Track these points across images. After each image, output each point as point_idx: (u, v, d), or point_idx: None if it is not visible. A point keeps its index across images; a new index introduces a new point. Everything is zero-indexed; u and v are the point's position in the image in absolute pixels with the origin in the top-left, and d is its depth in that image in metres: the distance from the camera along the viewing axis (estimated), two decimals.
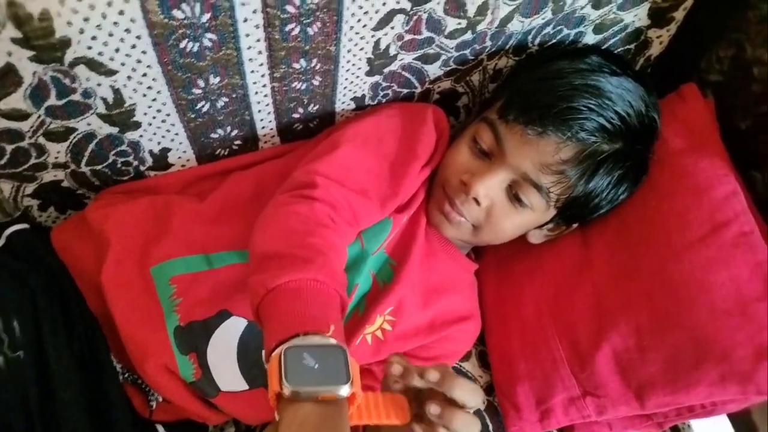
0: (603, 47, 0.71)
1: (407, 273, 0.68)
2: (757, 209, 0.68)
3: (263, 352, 0.49)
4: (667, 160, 0.69)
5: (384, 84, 0.70)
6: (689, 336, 0.63)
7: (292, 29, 0.56)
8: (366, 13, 0.57)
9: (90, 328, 0.62)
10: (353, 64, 0.64)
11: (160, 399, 0.64)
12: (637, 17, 0.67)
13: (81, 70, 0.53)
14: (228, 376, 0.63)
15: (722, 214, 0.64)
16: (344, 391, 0.43)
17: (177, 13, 0.51)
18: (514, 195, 0.65)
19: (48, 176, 0.65)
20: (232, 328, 0.63)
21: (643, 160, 0.68)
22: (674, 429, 0.78)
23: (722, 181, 0.66)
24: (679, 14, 0.68)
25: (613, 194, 0.67)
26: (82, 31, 0.49)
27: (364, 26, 0.59)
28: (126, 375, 0.63)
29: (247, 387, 0.64)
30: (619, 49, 0.72)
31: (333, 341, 0.46)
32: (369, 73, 0.67)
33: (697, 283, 0.63)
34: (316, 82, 0.65)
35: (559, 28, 0.67)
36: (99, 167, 0.66)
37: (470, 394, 0.47)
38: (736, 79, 0.70)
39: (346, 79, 0.66)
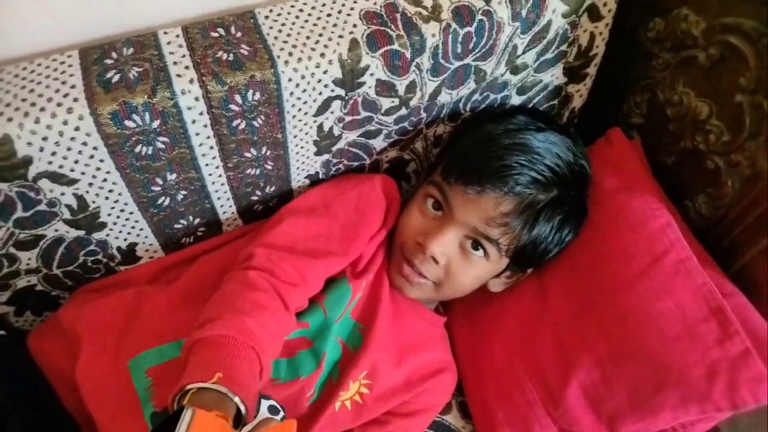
0: (529, 106, 0.78)
1: (377, 336, 0.71)
2: (693, 236, 0.73)
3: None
4: (603, 201, 0.74)
5: (334, 161, 0.75)
6: (646, 364, 0.65)
7: (239, 124, 0.61)
8: (305, 103, 0.63)
9: (64, 426, 0.63)
10: (301, 147, 0.69)
11: None
12: (554, 76, 0.74)
13: (44, 183, 0.57)
14: None
15: (660, 244, 0.68)
16: None
17: (129, 123, 0.56)
18: (467, 249, 0.69)
19: (21, 282, 0.68)
20: None
21: (580, 203, 0.73)
22: None
23: (655, 214, 0.70)
24: (591, 69, 0.75)
25: (557, 238, 0.71)
26: (42, 149, 0.54)
27: (306, 114, 0.64)
28: None
29: None
30: (544, 106, 0.78)
31: (193, 386, 0.49)
32: (317, 153, 0.72)
33: (646, 312, 0.66)
34: (269, 167, 0.70)
35: (485, 94, 0.74)
36: (70, 268, 0.69)
37: None
38: (655, 119, 0.77)
39: (298, 160, 0.71)
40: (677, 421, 0.65)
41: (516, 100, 0.76)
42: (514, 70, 0.71)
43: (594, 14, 0.68)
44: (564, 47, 0.70)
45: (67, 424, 0.63)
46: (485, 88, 0.72)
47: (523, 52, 0.68)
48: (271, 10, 0.61)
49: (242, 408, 0.49)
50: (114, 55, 0.57)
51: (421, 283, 0.71)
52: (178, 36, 0.59)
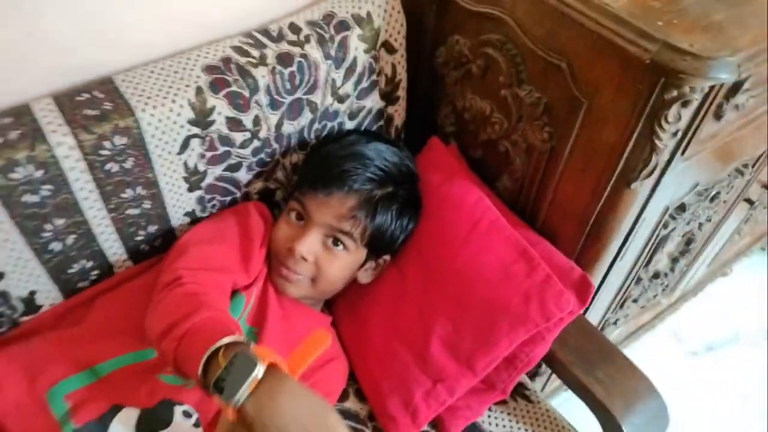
0: (362, 129, 0.96)
1: (268, 335, 0.82)
2: (506, 207, 0.92)
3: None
4: (431, 193, 0.91)
5: (207, 196, 0.88)
6: (481, 307, 0.81)
7: (111, 167, 0.74)
8: (167, 143, 0.76)
9: None
10: (173, 185, 0.82)
11: None
12: (374, 102, 0.93)
13: None
14: None
15: (475, 214, 0.86)
16: (260, 371, 0.56)
17: (14, 175, 0.67)
18: (329, 245, 0.83)
19: None
20: (126, 417, 0.72)
21: (412, 196, 0.89)
22: (522, 396, 0.94)
23: (469, 194, 0.89)
24: (401, 92, 0.95)
25: (399, 225, 0.87)
26: None
27: (170, 152, 0.78)
28: None
29: None
30: (374, 127, 0.97)
31: (226, 340, 0.59)
32: (190, 190, 0.85)
33: (473, 268, 0.83)
34: (147, 206, 0.82)
35: (323, 122, 0.91)
36: None
37: None
38: (460, 125, 0.97)
39: (173, 198, 0.84)
40: (513, 345, 0.80)
41: (349, 124, 0.94)
42: (340, 99, 0.89)
43: (389, 48, 0.88)
44: (374, 77, 0.90)
45: None
46: (321, 117, 0.89)
47: (342, 84, 0.87)
48: (126, 75, 0.76)
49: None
50: None
51: (298, 279, 0.84)
52: (49, 103, 0.71)
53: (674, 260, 1.12)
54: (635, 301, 1.14)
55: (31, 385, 0.73)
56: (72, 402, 0.72)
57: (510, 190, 0.93)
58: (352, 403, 0.92)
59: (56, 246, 0.76)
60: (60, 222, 0.74)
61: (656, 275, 1.11)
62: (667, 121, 0.63)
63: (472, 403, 0.89)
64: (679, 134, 0.67)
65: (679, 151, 0.70)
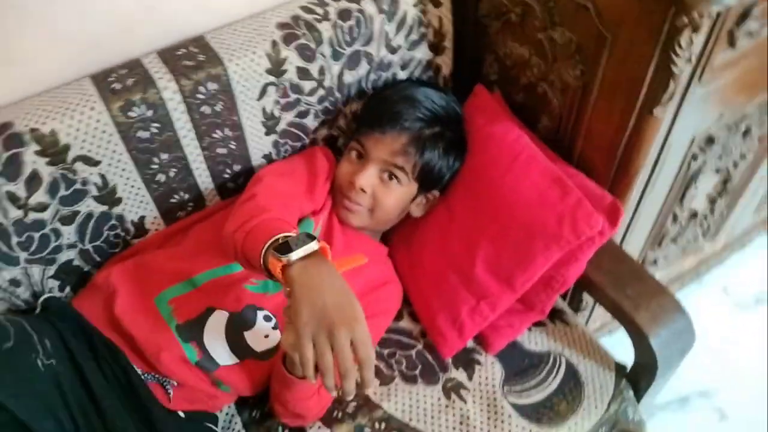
0: (413, 78, 1.07)
1: (334, 256, 0.96)
2: (546, 145, 1.01)
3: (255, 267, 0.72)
4: (475, 133, 1.02)
5: (281, 141, 1.03)
6: (519, 228, 0.92)
7: (205, 109, 0.89)
8: (249, 89, 0.91)
9: (110, 349, 0.86)
10: (253, 128, 0.97)
11: (175, 384, 0.86)
12: (422, 53, 1.04)
13: (79, 165, 0.84)
14: (221, 353, 0.87)
15: (515, 149, 0.96)
16: (314, 244, 0.67)
17: (131, 114, 0.83)
18: (385, 179, 0.96)
19: (63, 257, 0.92)
20: (218, 319, 0.88)
21: (458, 136, 1.00)
22: (561, 320, 1.04)
23: (509, 132, 0.99)
24: (448, 43, 1.06)
25: (446, 161, 0.98)
26: (76, 138, 0.81)
27: (251, 98, 0.93)
28: (144, 375, 0.86)
29: (237, 360, 0.88)
30: (423, 77, 1.08)
31: (295, 233, 0.71)
32: (267, 133, 0.99)
33: (513, 194, 0.93)
34: (233, 146, 0.97)
35: (378, 73, 1.03)
36: (98, 243, 0.94)
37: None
38: (503, 72, 1.07)
39: (253, 140, 0.99)
40: (549, 263, 0.90)
41: (402, 75, 1.06)
42: (392, 50, 1.01)
43: (435, 2, 1.00)
44: (423, 29, 1.01)
45: (111, 345, 0.86)
46: (376, 67, 1.02)
47: (394, 36, 0.99)
48: (215, 32, 0.91)
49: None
50: (114, 75, 0.85)
51: (358, 209, 0.97)
52: (155, 57, 0.88)
53: (712, 201, 1.17)
54: (674, 240, 1.21)
55: (142, 292, 0.90)
56: (174, 305, 0.88)
57: (549, 128, 1.02)
58: (405, 323, 1.05)
59: (161, 177, 0.93)
60: (165, 156, 0.91)
61: (694, 215, 1.17)
62: (680, 47, 0.71)
63: (513, 321, 1.00)
64: (693, 59, 0.75)
65: (696, 77, 0.78)
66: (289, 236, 0.70)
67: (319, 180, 0.98)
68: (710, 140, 0.97)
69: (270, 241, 0.70)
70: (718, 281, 1.57)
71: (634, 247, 1.14)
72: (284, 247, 0.68)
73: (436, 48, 1.05)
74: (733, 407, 1.38)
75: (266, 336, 0.89)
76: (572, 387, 0.95)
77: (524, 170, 0.94)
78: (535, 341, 1.01)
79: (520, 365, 0.98)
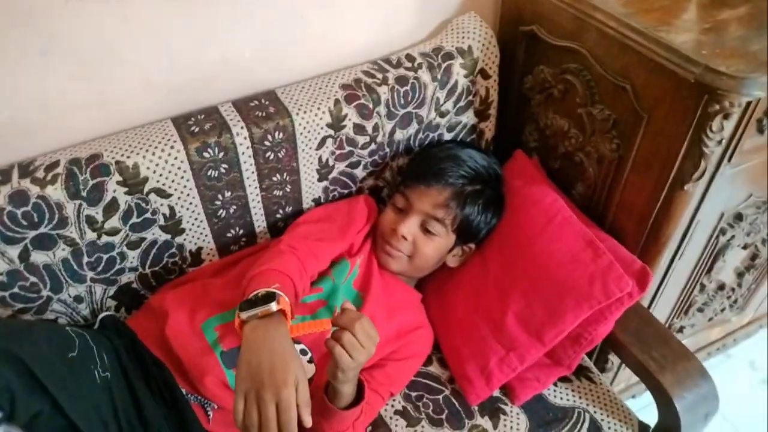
0: (458, 139, 1.16)
1: (372, 299, 1.02)
2: (579, 210, 1.07)
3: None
4: (514, 194, 1.09)
5: (331, 187, 1.11)
6: (551, 286, 0.97)
7: (270, 155, 0.98)
8: (310, 140, 1.00)
9: (158, 367, 0.92)
10: (309, 174, 1.05)
11: (216, 407, 0.91)
12: (469, 118, 1.13)
13: (152, 196, 0.92)
14: None
15: (550, 211, 1.03)
16: (273, 306, 0.73)
17: (205, 154, 0.93)
18: (426, 229, 1.03)
19: (124, 278, 1.00)
20: None
21: (497, 195, 1.08)
22: (586, 377, 1.07)
23: (546, 195, 1.05)
24: (492, 111, 1.14)
25: (484, 218, 1.05)
26: (155, 172, 0.90)
27: (311, 148, 1.01)
28: (188, 395, 0.91)
29: None
30: (467, 139, 1.16)
31: (268, 290, 0.77)
32: (319, 180, 1.08)
33: (547, 253, 0.99)
34: (288, 189, 1.05)
35: (426, 133, 1.12)
36: (156, 268, 1.02)
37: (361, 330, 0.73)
38: (542, 140, 1.15)
39: (306, 185, 1.07)
40: (578, 320, 0.95)
41: (447, 136, 1.14)
42: (441, 114, 1.10)
43: (484, 75, 1.09)
44: (471, 97, 1.10)
45: (160, 364, 0.92)
46: (425, 128, 1.11)
47: (444, 102, 1.08)
48: (285, 88, 1.01)
49: (287, 300, 0.79)
50: (193, 119, 0.95)
51: (398, 255, 1.04)
52: (230, 106, 0.98)
53: (740, 275, 1.21)
54: (701, 310, 1.24)
55: (191, 318, 0.96)
56: (220, 332, 0.95)
57: (583, 195, 1.09)
58: (434, 368, 1.09)
59: (222, 213, 1.01)
60: (228, 194, 0.99)
61: (721, 287, 1.21)
62: (712, 131, 0.78)
63: (540, 375, 1.03)
64: (724, 143, 0.81)
65: (726, 158, 0.84)
66: (259, 293, 0.76)
67: (356, 225, 1.06)
68: (739, 217, 1.02)
69: (251, 295, 0.77)
70: (745, 355, 1.58)
71: (661, 313, 1.17)
72: (246, 304, 0.75)
73: (481, 114, 1.14)
74: None
75: None
76: None
77: (558, 231, 1.00)
78: (560, 395, 1.05)
79: (545, 418, 1.01)
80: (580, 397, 1.04)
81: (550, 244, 1.00)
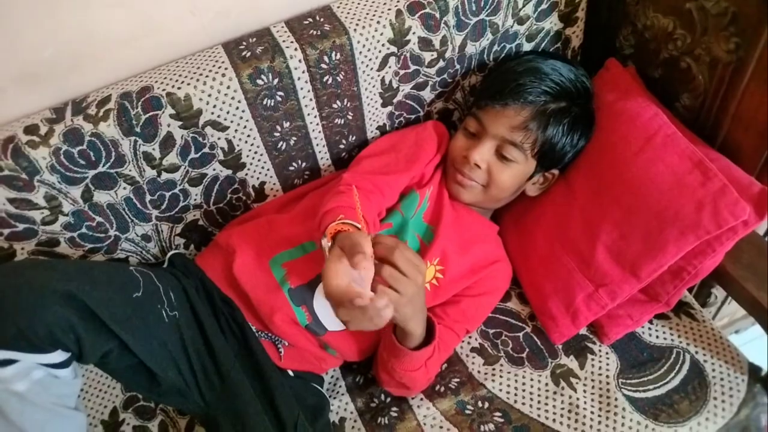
0: (539, 50, 1.02)
1: (443, 231, 0.94)
2: (684, 126, 0.93)
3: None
4: (605, 109, 0.95)
5: (396, 112, 1.02)
6: (650, 214, 0.85)
7: (328, 79, 0.90)
8: (370, 60, 0.90)
9: (228, 305, 0.90)
10: (371, 99, 0.96)
11: (287, 344, 0.89)
12: (552, 23, 0.98)
13: (208, 130, 0.87)
14: (329, 319, 0.89)
15: (650, 127, 0.89)
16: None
17: (259, 81, 0.85)
18: (501, 155, 0.92)
19: (190, 216, 0.97)
20: None
21: (586, 112, 0.94)
22: (687, 313, 0.96)
23: (645, 109, 0.91)
24: (580, 13, 0.98)
25: (569, 139, 0.93)
26: (208, 103, 0.84)
27: (372, 69, 0.92)
28: (258, 332, 0.90)
29: (344, 327, 0.89)
30: (551, 49, 1.02)
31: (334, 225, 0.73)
32: (383, 105, 0.99)
33: (645, 177, 0.86)
34: (350, 117, 0.97)
35: (502, 44, 0.99)
36: (221, 205, 0.98)
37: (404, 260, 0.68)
38: (640, 45, 0.98)
39: (369, 111, 0.98)
40: (681, 253, 0.83)
41: (527, 47, 1.00)
42: (520, 21, 0.96)
43: None
44: None
45: (230, 302, 0.90)
46: (501, 39, 0.97)
47: (523, 6, 0.94)
48: (341, 2, 0.91)
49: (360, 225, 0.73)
50: (244, 44, 0.88)
51: (471, 185, 0.94)
52: (282, 26, 0.89)
53: None
54: None
55: (258, 254, 0.93)
56: (287, 269, 0.91)
57: (690, 108, 0.93)
58: (513, 304, 1.02)
59: (282, 145, 0.95)
60: (287, 125, 0.92)
61: None
62: None
63: (633, 312, 0.93)
64: None
65: None
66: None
67: (425, 154, 0.96)
68: None
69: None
70: None
71: None
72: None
73: (566, 18, 0.98)
74: None
75: None
76: (696, 386, 0.88)
77: (660, 151, 0.87)
78: (656, 334, 0.95)
79: (638, 358, 0.92)
80: (678, 336, 0.94)
81: (650, 167, 0.87)
